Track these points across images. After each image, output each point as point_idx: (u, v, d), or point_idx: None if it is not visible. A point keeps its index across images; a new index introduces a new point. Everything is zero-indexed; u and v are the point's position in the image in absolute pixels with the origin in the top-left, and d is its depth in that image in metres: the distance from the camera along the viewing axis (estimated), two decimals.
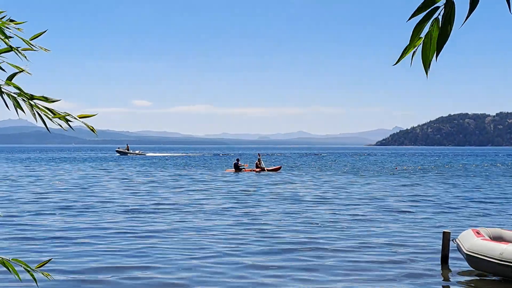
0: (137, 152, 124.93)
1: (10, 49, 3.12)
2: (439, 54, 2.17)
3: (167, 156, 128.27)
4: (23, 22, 3.18)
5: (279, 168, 62.31)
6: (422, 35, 2.20)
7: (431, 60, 2.19)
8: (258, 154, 64.76)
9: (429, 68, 2.22)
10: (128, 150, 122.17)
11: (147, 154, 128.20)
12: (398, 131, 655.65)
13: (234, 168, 59.92)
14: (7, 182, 43.03)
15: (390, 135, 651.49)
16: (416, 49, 2.22)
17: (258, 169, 59.26)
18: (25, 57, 3.14)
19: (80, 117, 3.15)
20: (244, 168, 59.91)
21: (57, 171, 61.39)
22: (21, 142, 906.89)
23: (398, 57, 2.29)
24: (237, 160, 61.75)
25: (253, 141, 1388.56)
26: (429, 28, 2.17)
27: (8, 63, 3.12)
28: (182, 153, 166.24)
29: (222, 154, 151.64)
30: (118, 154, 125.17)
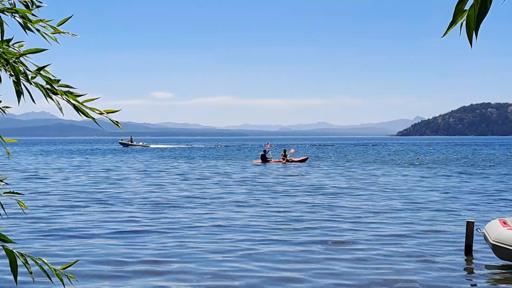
0: (140, 144, 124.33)
1: (39, 50, 3.11)
2: (478, 29, 2.19)
3: (170, 147, 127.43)
4: (44, 5, 3.16)
5: (306, 159, 62.02)
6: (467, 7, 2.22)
7: (477, 31, 2.20)
8: (284, 150, 64.44)
9: (476, 38, 2.23)
10: (131, 142, 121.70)
11: (151, 146, 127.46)
12: (419, 121, 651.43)
13: (261, 159, 59.79)
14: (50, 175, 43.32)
15: (412, 125, 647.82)
16: (463, 21, 2.23)
17: (284, 160, 59.02)
18: (55, 39, 3.13)
19: (106, 112, 3.16)
20: (271, 159, 59.77)
21: (89, 163, 61.74)
22: (44, 134, 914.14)
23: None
24: (264, 151, 61.42)
25: (274, 132, 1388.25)
26: (473, 2, 2.19)
27: (32, 63, 3.12)
28: (187, 144, 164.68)
29: (224, 146, 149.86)
30: (121, 146, 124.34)
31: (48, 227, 18.42)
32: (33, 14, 3.08)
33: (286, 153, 60.56)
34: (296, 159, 60.65)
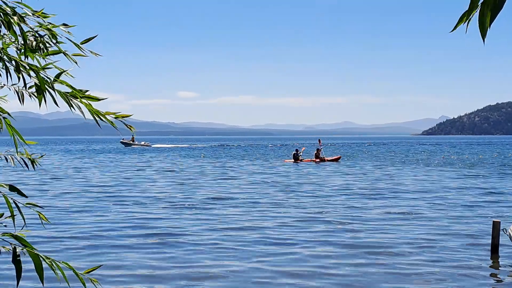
0: (142, 143, 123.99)
1: (59, 51, 3.20)
2: (493, 20, 2.13)
3: (172, 147, 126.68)
4: (73, 26, 3.25)
5: (338, 158, 61.68)
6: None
7: (489, 26, 2.15)
8: (319, 141, 63.94)
9: (485, 36, 2.17)
10: (133, 141, 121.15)
11: (153, 146, 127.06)
12: (444, 120, 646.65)
13: (293, 159, 59.61)
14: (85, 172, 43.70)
15: (437, 125, 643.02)
16: (471, 17, 2.19)
17: (318, 160, 58.68)
18: (75, 62, 3.22)
19: (121, 117, 3.23)
20: (303, 159, 59.52)
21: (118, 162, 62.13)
22: (71, 134, 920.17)
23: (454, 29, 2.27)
24: (296, 150, 61.06)
25: (299, 131, 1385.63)
26: None
27: (55, 66, 3.20)
28: (191, 144, 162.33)
29: (227, 145, 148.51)
30: (123, 146, 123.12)
31: (83, 230, 18.59)
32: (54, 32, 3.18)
33: (320, 152, 60.21)
34: (329, 159, 60.32)
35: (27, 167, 3.72)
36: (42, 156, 3.83)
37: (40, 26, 3.16)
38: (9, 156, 3.67)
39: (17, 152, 3.47)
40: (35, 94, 3.57)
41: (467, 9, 2.20)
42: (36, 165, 3.75)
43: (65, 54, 3.22)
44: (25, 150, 3.59)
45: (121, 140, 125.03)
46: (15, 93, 3.58)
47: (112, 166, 53.86)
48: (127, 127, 3.25)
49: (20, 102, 3.54)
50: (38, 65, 3.16)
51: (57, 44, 3.19)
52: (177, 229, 18.15)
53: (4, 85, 3.54)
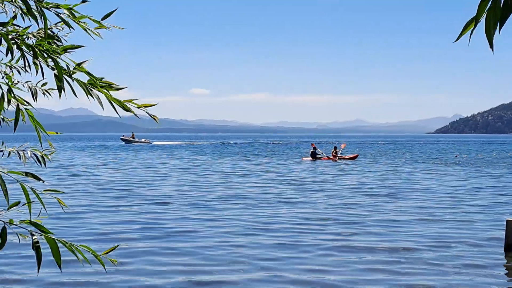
0: (143, 140, 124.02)
1: (75, 46, 3.18)
2: (502, 26, 2.05)
3: (173, 144, 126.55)
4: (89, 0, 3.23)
5: (356, 156, 61.53)
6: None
7: (494, 33, 2.08)
8: (340, 144, 63.61)
9: (492, 43, 2.10)
10: (133, 138, 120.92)
11: (153, 143, 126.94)
12: (457, 119, 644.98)
13: (311, 156, 59.44)
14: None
15: (450, 123, 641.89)
16: (475, 27, 2.11)
17: (335, 158, 58.23)
18: (99, 34, 3.19)
19: (144, 106, 3.21)
20: (322, 157, 59.21)
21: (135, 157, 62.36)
22: (83, 130, 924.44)
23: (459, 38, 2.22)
24: (314, 148, 60.95)
25: (312, 129, 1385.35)
26: (491, 3, 2.06)
27: (71, 59, 3.19)
28: (191, 141, 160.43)
29: (228, 143, 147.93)
30: (123, 143, 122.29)
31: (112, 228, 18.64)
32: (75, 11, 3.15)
33: (337, 150, 59.92)
34: (347, 157, 60.09)
35: (40, 164, 3.71)
36: (53, 153, 3.82)
37: (57, 6, 3.11)
38: (21, 152, 3.66)
39: (41, 144, 3.47)
40: (48, 92, 3.57)
41: (471, 17, 2.14)
42: (46, 161, 3.74)
43: (86, 29, 3.19)
44: (40, 145, 3.58)
45: (122, 137, 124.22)
46: (29, 90, 3.58)
47: (120, 163, 53.96)
48: (151, 117, 3.21)
49: (34, 99, 3.53)
50: (58, 51, 3.14)
51: (80, 22, 3.17)
52: (188, 227, 18.13)
53: (18, 81, 3.53)
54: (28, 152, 3.71)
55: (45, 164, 3.72)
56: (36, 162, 3.70)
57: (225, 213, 21.02)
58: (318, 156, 59.08)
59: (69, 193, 26.20)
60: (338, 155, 58.84)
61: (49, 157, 3.75)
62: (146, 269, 12.62)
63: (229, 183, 33.04)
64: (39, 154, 3.72)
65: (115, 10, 3.26)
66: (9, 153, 3.70)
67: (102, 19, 3.20)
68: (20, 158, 3.66)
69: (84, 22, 3.17)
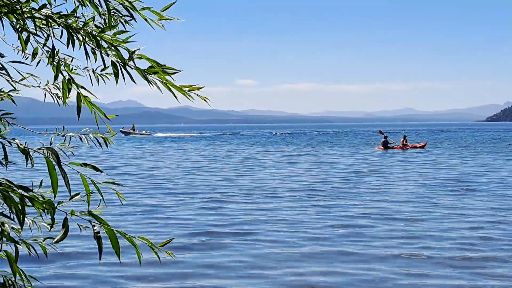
0: (143, 132, 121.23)
1: (127, 38, 3.29)
2: None
3: (173, 136, 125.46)
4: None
5: (424, 145, 61.35)
6: None
7: None
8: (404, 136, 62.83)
9: None
10: (134, 130, 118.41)
11: (154, 135, 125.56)
12: (510, 106, 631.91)
13: (383, 146, 59.15)
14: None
15: (501, 111, 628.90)
16: None
17: (405, 146, 58.30)
18: (162, 26, 3.33)
19: (196, 89, 3.33)
20: (394, 146, 58.88)
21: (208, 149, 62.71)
22: (132, 122, 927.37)
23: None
24: (386, 137, 60.40)
25: (358, 118, 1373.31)
26: None
27: (125, 47, 3.34)
28: (195, 133, 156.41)
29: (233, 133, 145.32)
30: (123, 135, 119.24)
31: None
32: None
33: (406, 139, 59.88)
34: (417, 145, 60.35)
35: (101, 147, 3.82)
36: (114, 135, 3.89)
37: None
38: (83, 136, 3.75)
39: (98, 127, 3.60)
40: (107, 76, 3.66)
41: None
42: (109, 143, 3.85)
43: (147, 20, 3.31)
44: (97, 128, 3.69)
45: (121, 129, 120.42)
46: (88, 76, 3.68)
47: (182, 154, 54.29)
48: (202, 99, 3.31)
49: (93, 83, 3.64)
50: (119, 40, 3.28)
51: (140, 12, 3.29)
52: (226, 221, 18.19)
53: (78, 66, 3.64)
54: (91, 135, 3.82)
55: (107, 146, 3.84)
56: (96, 146, 3.80)
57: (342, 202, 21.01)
58: (390, 145, 58.82)
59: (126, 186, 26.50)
60: (408, 144, 58.88)
61: (110, 139, 3.88)
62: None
63: (325, 174, 32.86)
64: (101, 137, 3.86)
65: (174, 1, 3.37)
66: (70, 138, 3.73)
67: (162, 11, 3.31)
68: (82, 141, 3.76)
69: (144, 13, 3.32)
